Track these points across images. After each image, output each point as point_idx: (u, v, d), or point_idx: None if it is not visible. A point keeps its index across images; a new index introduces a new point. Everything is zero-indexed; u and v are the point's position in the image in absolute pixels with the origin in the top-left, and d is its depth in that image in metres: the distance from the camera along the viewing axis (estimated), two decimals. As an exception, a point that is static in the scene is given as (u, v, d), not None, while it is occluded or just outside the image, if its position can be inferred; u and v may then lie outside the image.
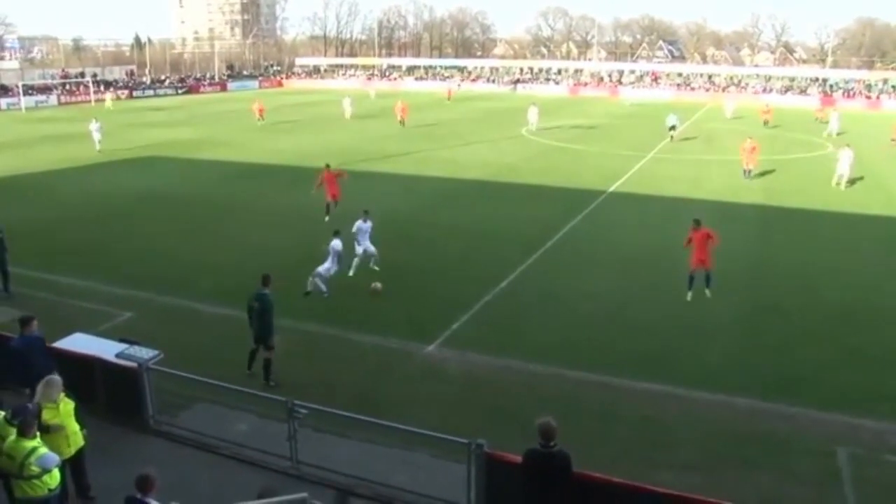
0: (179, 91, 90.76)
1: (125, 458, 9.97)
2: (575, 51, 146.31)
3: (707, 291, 16.98)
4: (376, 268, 18.59)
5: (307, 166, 33.91)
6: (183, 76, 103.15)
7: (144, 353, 11.22)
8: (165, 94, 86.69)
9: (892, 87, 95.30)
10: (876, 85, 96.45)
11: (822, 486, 10.12)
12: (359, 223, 18.59)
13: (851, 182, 31.72)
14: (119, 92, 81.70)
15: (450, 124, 55.73)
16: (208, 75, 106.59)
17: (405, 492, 9.45)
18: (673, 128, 46.25)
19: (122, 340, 11.86)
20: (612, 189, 30.73)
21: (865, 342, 15.09)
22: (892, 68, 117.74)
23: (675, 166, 37.00)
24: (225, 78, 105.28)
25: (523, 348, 14.53)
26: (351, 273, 18.06)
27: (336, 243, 16.81)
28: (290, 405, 9.67)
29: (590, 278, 19.05)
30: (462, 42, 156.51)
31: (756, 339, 15.29)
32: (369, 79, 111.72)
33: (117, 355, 11.19)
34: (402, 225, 23.89)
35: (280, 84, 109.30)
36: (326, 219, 23.31)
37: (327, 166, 25.10)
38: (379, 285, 16.84)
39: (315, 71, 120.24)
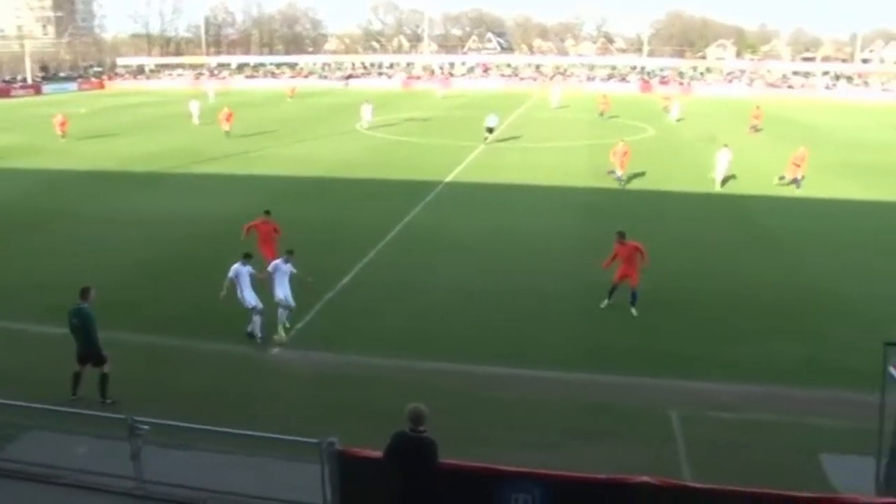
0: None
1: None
2: (406, 44, 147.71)
3: (633, 310, 15.98)
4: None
5: (135, 171, 32.42)
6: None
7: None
8: (-31, 99, 79.58)
9: (701, 73, 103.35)
10: (687, 72, 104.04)
11: (659, 447, 10.80)
12: (277, 263, 14.75)
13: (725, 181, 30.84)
14: None
15: (286, 121, 54.79)
16: (19, 77, 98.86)
17: (259, 499, 9.30)
18: (490, 130, 42.25)
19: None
20: (448, 179, 31.42)
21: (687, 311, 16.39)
22: (700, 57, 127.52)
23: (508, 154, 38.37)
24: (39, 80, 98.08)
25: (371, 342, 14.61)
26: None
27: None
28: (130, 422, 9.26)
29: (432, 267, 19.42)
30: (293, 38, 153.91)
31: (593, 315, 16.15)
32: (197, 78, 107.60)
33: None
34: (238, 224, 23.39)
35: (101, 86, 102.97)
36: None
37: (266, 213, 18.68)
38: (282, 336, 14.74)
39: (140, 71, 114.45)
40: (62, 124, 44.12)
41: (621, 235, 16.22)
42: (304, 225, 22.95)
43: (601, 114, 56.40)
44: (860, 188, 30.05)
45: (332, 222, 23.84)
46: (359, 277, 18.40)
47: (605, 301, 16.39)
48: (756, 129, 48.39)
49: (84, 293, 12.18)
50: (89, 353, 12.04)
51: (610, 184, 30.21)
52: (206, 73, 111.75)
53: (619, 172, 30.33)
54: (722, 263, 19.72)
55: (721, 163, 30.18)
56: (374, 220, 23.89)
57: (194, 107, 53.19)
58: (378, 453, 8.07)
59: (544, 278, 18.26)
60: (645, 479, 7.83)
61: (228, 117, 44.77)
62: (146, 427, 9.24)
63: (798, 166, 29.03)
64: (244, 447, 10.03)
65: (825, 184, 30.31)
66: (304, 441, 8.77)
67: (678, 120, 52.69)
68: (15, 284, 17.98)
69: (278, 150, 39.99)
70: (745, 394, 12.48)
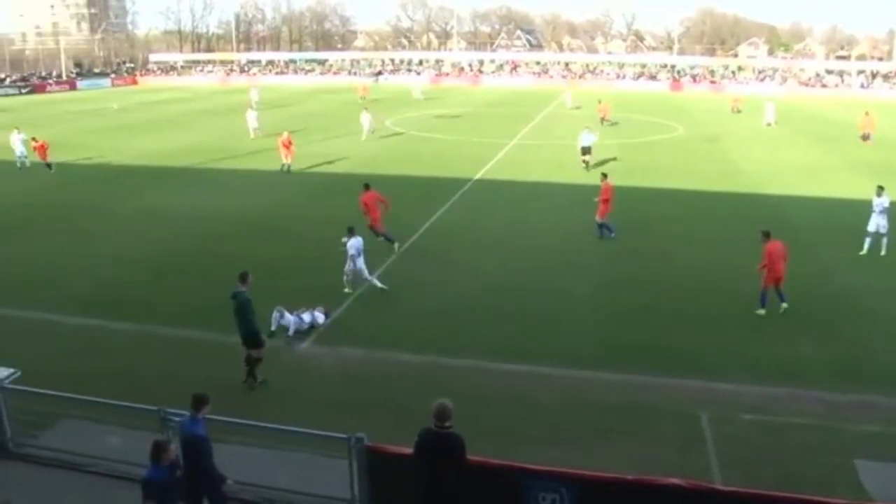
0: (23, 91, 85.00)
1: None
2: (435, 41, 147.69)
3: (783, 305, 15.75)
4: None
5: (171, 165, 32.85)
6: (26, 74, 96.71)
7: (-1, 372, 10.60)
8: (7, 95, 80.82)
9: (732, 72, 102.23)
10: (718, 70, 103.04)
11: (687, 448, 10.76)
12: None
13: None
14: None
15: (314, 117, 55.07)
16: (54, 73, 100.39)
17: (289, 493, 9.39)
18: (587, 150, 33.06)
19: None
20: (477, 177, 31.38)
21: (713, 309, 16.21)
22: (732, 55, 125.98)
23: (536, 151, 38.30)
24: (73, 76, 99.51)
25: (397, 339, 14.65)
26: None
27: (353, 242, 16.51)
28: (162, 414, 9.39)
29: (457, 265, 19.44)
30: (322, 35, 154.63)
31: (612, 314, 16.09)
32: (228, 74, 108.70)
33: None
34: (267, 220, 23.74)
35: (134, 82, 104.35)
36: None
37: (367, 186, 20.59)
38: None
39: (171, 67, 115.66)
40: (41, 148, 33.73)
41: (766, 234, 15.70)
42: (331, 223, 23.10)
43: (602, 120, 49.09)
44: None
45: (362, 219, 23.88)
46: (386, 276, 18.43)
47: (762, 309, 15.71)
48: (866, 138, 42.49)
49: (243, 278, 12.40)
50: (244, 336, 12.34)
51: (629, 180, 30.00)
52: (237, 69, 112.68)
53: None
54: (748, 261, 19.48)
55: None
56: (401, 217, 23.85)
57: (251, 118, 44.45)
58: (405, 449, 8.12)
59: (568, 276, 18.21)
60: (674, 480, 7.79)
61: (288, 145, 32.60)
62: (178, 419, 9.34)
63: None
64: (274, 441, 10.11)
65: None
66: (333, 436, 8.84)
67: (768, 125, 49.77)
68: (42, 277, 18.36)
69: (308, 148, 40.17)
70: (773, 396, 12.35)
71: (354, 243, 16.52)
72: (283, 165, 32.43)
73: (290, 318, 14.66)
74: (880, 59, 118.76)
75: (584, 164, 32.82)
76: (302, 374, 13.38)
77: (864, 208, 20.59)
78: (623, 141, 41.96)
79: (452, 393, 11.21)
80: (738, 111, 59.65)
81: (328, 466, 9.60)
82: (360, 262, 16.62)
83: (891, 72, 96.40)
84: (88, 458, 10.22)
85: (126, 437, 10.58)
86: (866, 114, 43.27)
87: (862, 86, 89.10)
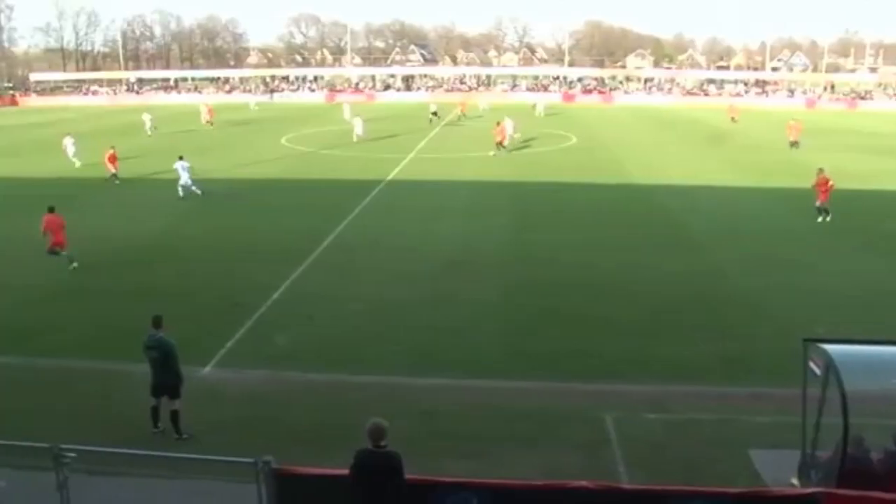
0: None
1: None
2: (330, 57, 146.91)
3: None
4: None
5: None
6: None
7: None
8: None
9: (620, 83, 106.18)
10: (609, 81, 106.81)
11: (594, 451, 10.94)
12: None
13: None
14: None
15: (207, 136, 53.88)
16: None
17: (194, 523, 9.09)
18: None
19: None
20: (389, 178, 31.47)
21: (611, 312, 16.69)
22: (620, 66, 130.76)
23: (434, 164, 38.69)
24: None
25: (301, 358, 14.42)
26: None
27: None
28: (55, 450, 8.88)
29: (358, 279, 19.33)
30: (214, 52, 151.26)
31: (517, 321, 16.30)
32: (115, 94, 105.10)
33: None
34: (157, 239, 23.08)
35: (14, 102, 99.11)
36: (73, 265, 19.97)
37: (51, 209, 20.12)
38: None
39: (56, 87, 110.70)
40: None
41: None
42: (225, 242, 22.64)
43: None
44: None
45: (255, 238, 23.51)
46: (286, 293, 18.16)
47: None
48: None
49: (157, 322, 11.53)
50: (166, 384, 11.44)
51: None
52: (127, 87, 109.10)
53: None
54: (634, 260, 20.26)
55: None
56: (299, 235, 23.62)
57: (147, 119, 55.50)
58: (315, 470, 7.98)
59: (468, 284, 18.49)
60: (583, 483, 7.92)
61: (112, 159, 34.12)
62: (73, 454, 8.86)
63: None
64: (178, 470, 9.76)
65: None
66: (238, 461, 8.58)
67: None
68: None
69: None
70: (672, 393, 12.73)
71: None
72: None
73: None
74: (755, 68, 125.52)
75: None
76: (204, 397, 12.88)
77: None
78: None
79: (360, 409, 11.17)
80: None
81: (236, 493, 9.30)
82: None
83: (769, 80, 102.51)
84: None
85: (13, 478, 9.95)
86: (793, 121, 45.46)
87: (738, 94, 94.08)
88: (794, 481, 9.16)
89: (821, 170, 24.85)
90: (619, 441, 11.18)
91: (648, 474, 9.80)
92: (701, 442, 11.09)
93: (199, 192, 29.30)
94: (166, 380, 11.45)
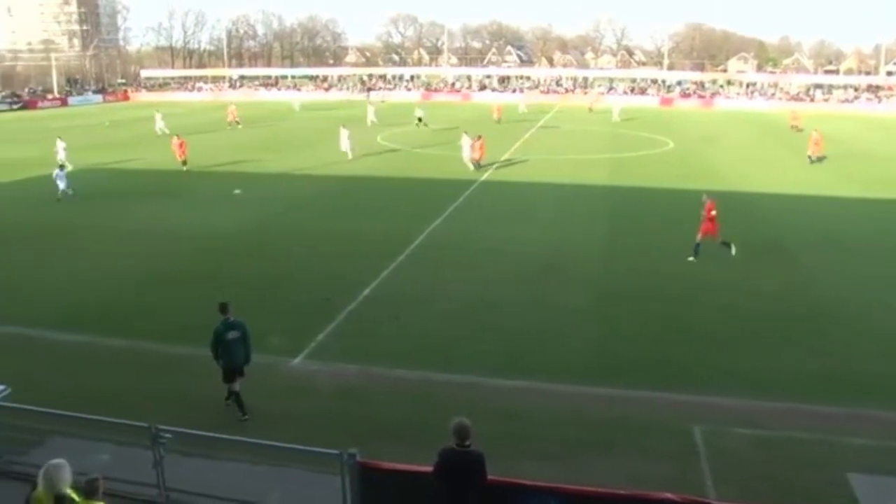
0: (14, 107, 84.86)
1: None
2: (426, 57, 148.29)
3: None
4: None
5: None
6: (17, 90, 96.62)
7: (-12, 389, 10.48)
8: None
9: (721, 86, 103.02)
10: (708, 85, 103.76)
11: (681, 462, 10.69)
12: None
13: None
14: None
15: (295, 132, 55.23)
16: (40, 89, 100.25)
17: (280, 509, 9.33)
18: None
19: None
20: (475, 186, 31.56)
21: (702, 322, 16.23)
22: (721, 70, 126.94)
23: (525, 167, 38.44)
24: (66, 92, 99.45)
25: (390, 355, 14.57)
26: None
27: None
28: (153, 430, 9.32)
29: (449, 278, 19.39)
30: (313, 51, 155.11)
31: (609, 328, 16.07)
32: (220, 90, 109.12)
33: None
34: (254, 235, 23.77)
35: (126, 98, 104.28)
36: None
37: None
38: None
39: (164, 83, 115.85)
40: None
41: None
42: (326, 237, 23.13)
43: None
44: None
45: (354, 233, 23.95)
46: (377, 290, 18.41)
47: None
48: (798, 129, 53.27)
49: (224, 308, 12.00)
50: (240, 365, 11.95)
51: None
52: (231, 84, 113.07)
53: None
54: (730, 272, 19.56)
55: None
56: (393, 233, 23.92)
57: (158, 119, 54.85)
58: (398, 465, 8.06)
59: (559, 288, 18.26)
60: (667, 495, 7.74)
61: (181, 146, 37.74)
62: (169, 435, 9.29)
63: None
64: (266, 457, 10.06)
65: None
66: (324, 452, 8.77)
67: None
68: (33, 294, 18.28)
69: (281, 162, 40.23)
70: (766, 409, 12.30)
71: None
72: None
73: None
74: (867, 72, 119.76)
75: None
76: (293, 389, 13.27)
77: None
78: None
79: (446, 408, 11.25)
80: (799, 129, 54.98)
81: (320, 483, 9.52)
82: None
83: (883, 84, 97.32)
84: (78, 475, 10.10)
85: (116, 453, 10.52)
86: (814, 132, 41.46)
87: (847, 100, 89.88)
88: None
89: None
90: (707, 455, 10.88)
91: (738, 491, 9.49)
92: (795, 461, 10.67)
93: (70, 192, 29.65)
94: (241, 360, 11.92)
